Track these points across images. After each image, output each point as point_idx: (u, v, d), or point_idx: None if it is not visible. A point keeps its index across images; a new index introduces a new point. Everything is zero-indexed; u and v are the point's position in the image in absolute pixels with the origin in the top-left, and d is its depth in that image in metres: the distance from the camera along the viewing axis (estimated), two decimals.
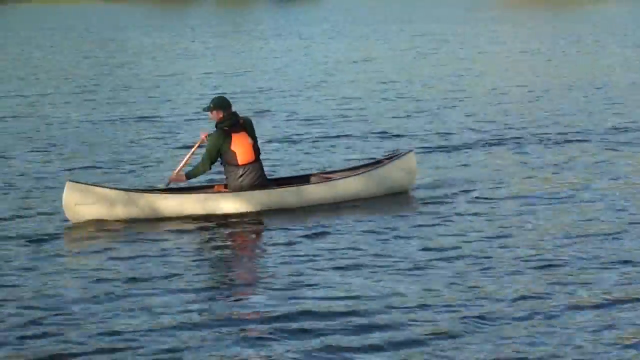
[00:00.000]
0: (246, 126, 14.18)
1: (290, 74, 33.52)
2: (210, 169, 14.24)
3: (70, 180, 13.70)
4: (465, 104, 25.37)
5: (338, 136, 21.12)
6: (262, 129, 21.70)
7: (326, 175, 15.29)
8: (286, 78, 32.17)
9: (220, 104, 14.09)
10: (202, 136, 14.48)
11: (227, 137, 13.97)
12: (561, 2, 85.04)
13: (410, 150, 15.54)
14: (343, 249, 12.36)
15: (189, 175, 14.20)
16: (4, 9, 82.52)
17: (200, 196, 14.00)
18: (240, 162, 14.07)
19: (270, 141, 20.48)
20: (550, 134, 20.94)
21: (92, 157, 19.09)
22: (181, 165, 14.31)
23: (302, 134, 21.14)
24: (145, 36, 50.99)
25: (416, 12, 71.00)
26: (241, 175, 14.10)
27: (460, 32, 51.10)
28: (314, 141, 20.57)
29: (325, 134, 21.18)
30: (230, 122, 14.02)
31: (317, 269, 11.44)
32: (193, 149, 14.53)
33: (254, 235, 13.30)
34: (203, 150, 14.50)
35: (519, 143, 19.85)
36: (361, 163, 16.37)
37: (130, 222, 13.61)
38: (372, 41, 46.67)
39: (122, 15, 71.18)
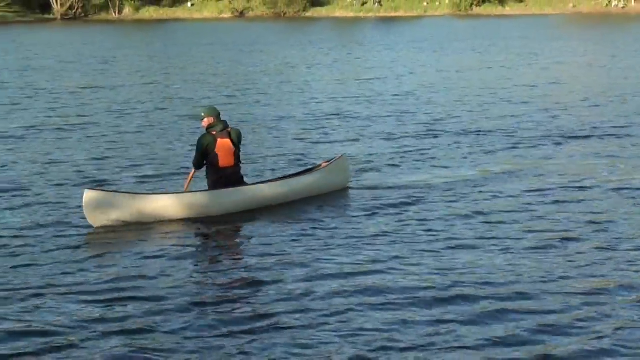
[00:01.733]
0: (232, 135, 13.60)
1: (396, 81, 33.48)
2: (199, 167, 13.61)
3: (88, 189, 12.84)
4: (549, 107, 25.62)
5: (441, 133, 21.34)
6: (371, 129, 21.79)
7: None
8: (396, 84, 32.21)
9: (211, 111, 13.62)
10: None
11: (213, 140, 13.43)
12: (615, 20, 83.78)
13: (342, 155, 15.29)
14: (327, 237, 12.21)
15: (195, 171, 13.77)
16: (167, 26, 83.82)
17: (213, 193, 13.39)
18: (221, 164, 13.47)
19: (385, 138, 20.43)
20: (615, 127, 21.31)
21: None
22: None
23: (404, 134, 20.90)
24: (280, 49, 51.51)
25: (497, 32, 70.27)
26: (222, 177, 13.51)
27: (535, 46, 50.91)
28: (412, 138, 20.53)
29: (425, 133, 21.09)
30: (219, 127, 13.52)
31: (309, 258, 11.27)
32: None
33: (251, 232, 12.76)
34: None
35: (586, 138, 20.19)
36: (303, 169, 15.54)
37: (145, 224, 12.84)
38: (464, 54, 46.38)
39: (255, 31, 71.72)
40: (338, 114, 24.42)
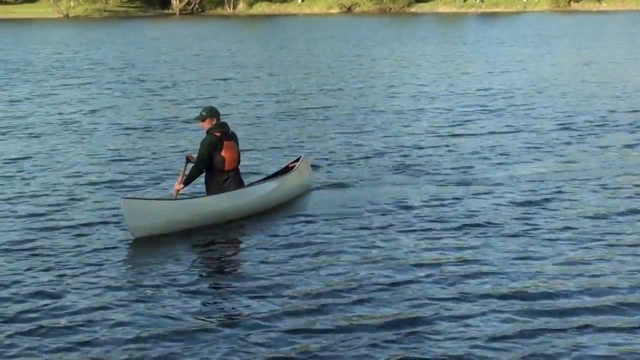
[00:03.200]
0: (234, 137, 12.61)
1: (506, 75, 32.77)
2: (203, 171, 12.34)
3: (125, 198, 11.69)
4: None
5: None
6: (484, 122, 21.28)
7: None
8: (506, 79, 31.49)
9: (214, 112, 12.43)
10: (187, 155, 12.65)
11: (219, 142, 12.29)
12: None
13: (304, 156, 14.49)
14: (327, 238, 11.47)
15: (186, 182, 12.29)
16: (278, 20, 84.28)
17: (244, 191, 12.50)
18: (227, 167, 12.38)
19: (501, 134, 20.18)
20: None
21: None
22: (180, 178, 12.42)
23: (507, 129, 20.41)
24: (390, 43, 51.27)
25: (598, 27, 68.78)
26: (226, 180, 12.43)
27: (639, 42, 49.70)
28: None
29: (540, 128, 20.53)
30: (224, 129, 12.41)
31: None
32: (184, 168, 12.55)
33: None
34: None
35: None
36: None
37: (189, 229, 11.86)
38: (569, 49, 45.33)
39: (363, 26, 71.57)
40: (451, 109, 24.10)
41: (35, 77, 32.55)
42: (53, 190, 14.49)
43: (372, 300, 9.28)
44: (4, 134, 20.25)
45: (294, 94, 27.50)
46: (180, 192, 12.44)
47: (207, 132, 12.43)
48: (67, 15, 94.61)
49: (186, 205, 11.99)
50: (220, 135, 12.35)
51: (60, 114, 23.39)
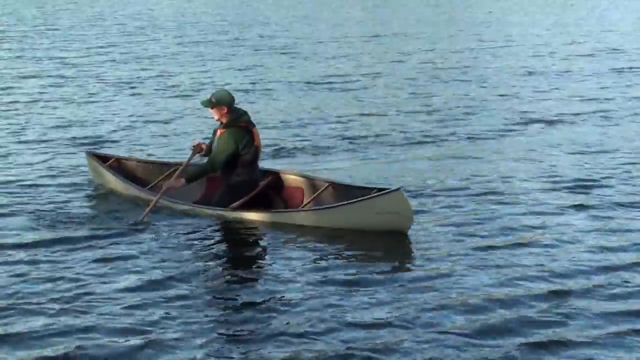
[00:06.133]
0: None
1: None
2: (217, 171, 10.62)
3: (401, 188, 9.89)
4: None
5: None
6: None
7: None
8: None
9: (226, 98, 10.50)
10: (198, 144, 10.98)
11: (247, 134, 10.49)
12: None
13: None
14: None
15: (190, 179, 10.61)
16: None
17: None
18: (259, 158, 10.84)
19: None
20: None
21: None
22: (178, 172, 10.82)
23: None
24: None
25: None
26: (254, 171, 10.74)
27: None
28: None
29: None
30: (246, 116, 10.58)
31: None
32: (189, 159, 10.94)
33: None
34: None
35: None
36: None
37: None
38: None
39: None
40: (602, 70, 23.17)
41: (168, 34, 31.75)
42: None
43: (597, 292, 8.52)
44: (161, 92, 19.90)
45: (437, 53, 26.75)
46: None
47: (226, 124, 10.50)
48: None
49: None
50: (247, 126, 10.54)
51: (202, 72, 22.77)
